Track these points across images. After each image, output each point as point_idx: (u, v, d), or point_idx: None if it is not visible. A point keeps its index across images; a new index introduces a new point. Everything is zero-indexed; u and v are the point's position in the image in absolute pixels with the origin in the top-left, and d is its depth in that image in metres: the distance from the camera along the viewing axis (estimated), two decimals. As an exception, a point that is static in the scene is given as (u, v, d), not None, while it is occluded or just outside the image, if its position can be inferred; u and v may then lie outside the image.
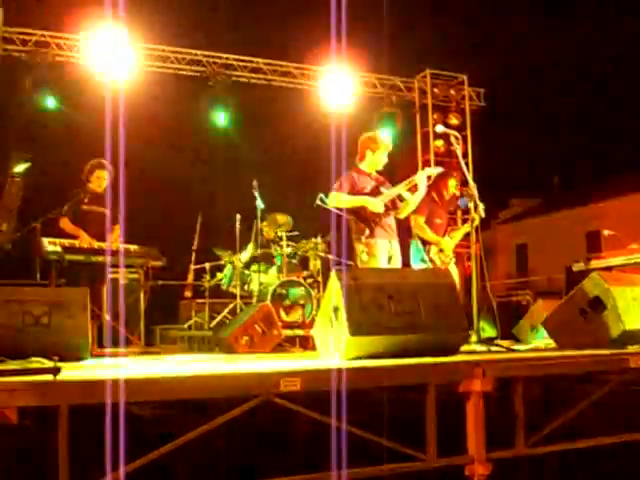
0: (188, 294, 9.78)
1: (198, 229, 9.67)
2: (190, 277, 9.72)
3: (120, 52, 10.85)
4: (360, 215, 6.35)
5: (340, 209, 6.44)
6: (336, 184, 6.47)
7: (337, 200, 6.41)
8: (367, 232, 6.29)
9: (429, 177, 6.74)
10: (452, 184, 7.49)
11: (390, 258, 6.39)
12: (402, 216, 6.67)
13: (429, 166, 11.20)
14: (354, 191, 6.42)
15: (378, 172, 6.68)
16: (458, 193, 7.51)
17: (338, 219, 8.38)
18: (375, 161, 6.60)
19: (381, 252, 6.30)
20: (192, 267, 9.69)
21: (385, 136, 6.92)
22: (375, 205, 6.31)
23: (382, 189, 6.49)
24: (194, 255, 9.72)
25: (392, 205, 6.54)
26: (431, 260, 7.22)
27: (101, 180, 7.35)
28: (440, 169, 6.80)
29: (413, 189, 6.52)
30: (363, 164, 6.64)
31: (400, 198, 6.56)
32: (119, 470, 3.12)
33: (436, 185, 7.41)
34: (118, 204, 7.62)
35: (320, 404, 3.69)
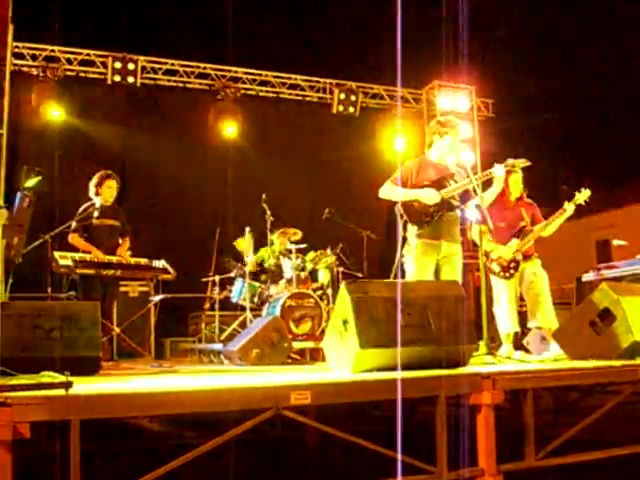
0: (207, 306, 9.70)
1: (216, 242, 9.58)
2: (209, 289, 9.65)
3: (130, 66, 10.97)
4: (412, 211, 5.70)
5: (390, 204, 5.89)
6: (392, 176, 5.80)
7: (388, 193, 5.78)
8: (417, 231, 5.67)
9: (509, 171, 6.01)
10: (515, 180, 6.71)
11: (444, 258, 5.72)
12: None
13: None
14: (410, 184, 5.73)
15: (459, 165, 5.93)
16: (523, 190, 6.78)
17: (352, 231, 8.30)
18: (444, 148, 5.90)
19: (428, 255, 5.68)
20: (211, 279, 9.57)
21: (455, 120, 6.05)
22: (429, 197, 5.64)
23: (447, 183, 5.77)
24: (213, 267, 9.62)
25: (461, 201, 5.81)
26: (489, 269, 6.51)
27: (112, 190, 7.40)
28: (525, 161, 5.89)
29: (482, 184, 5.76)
30: (431, 152, 5.97)
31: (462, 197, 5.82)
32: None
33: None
34: (126, 216, 7.67)
35: (330, 417, 3.70)
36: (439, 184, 5.76)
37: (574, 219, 6.69)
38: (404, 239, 5.80)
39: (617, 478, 4.36)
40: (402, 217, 5.78)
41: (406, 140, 12.54)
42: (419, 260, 5.68)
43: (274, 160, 11.54)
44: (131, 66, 11.03)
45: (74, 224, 7.17)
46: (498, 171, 5.80)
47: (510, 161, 5.91)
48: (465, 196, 5.87)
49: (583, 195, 6.55)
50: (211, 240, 9.56)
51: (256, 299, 8.95)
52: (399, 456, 3.67)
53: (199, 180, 11.22)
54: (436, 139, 5.95)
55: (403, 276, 5.67)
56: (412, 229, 5.72)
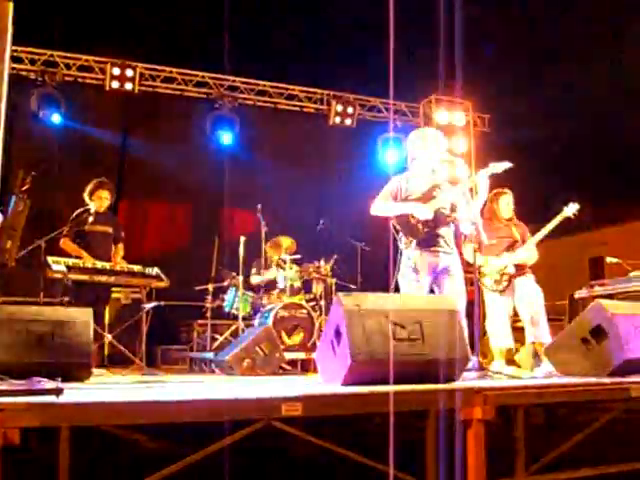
0: (209, 315, 9.62)
1: (216, 252, 9.51)
2: (208, 298, 9.56)
3: (129, 72, 10.97)
4: (407, 224, 5.71)
5: (385, 218, 5.86)
6: (381, 192, 5.83)
7: (380, 209, 5.80)
8: (414, 244, 5.64)
9: (492, 176, 5.89)
10: (506, 201, 6.88)
11: (443, 271, 5.69)
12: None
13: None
14: (400, 198, 5.78)
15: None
16: (511, 212, 6.88)
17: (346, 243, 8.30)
18: (429, 160, 5.90)
19: (426, 267, 5.62)
20: (204, 288, 9.48)
21: (436, 130, 6.19)
22: (421, 212, 5.63)
23: (435, 193, 5.81)
24: (213, 276, 9.53)
25: (451, 211, 5.83)
26: (482, 283, 6.57)
27: (103, 200, 7.42)
28: (508, 164, 5.82)
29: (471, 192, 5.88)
30: (415, 165, 5.97)
31: (454, 207, 5.87)
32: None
33: (488, 201, 6.69)
34: (121, 223, 7.69)
35: (321, 429, 3.69)
36: (428, 195, 5.78)
37: (568, 236, 6.72)
38: (400, 253, 5.79)
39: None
40: (397, 231, 5.80)
41: (402, 153, 12.52)
42: (416, 274, 5.62)
43: (270, 170, 11.53)
44: (129, 73, 11.02)
45: (66, 228, 7.18)
46: (481, 177, 5.81)
47: (492, 165, 5.87)
48: (454, 208, 5.89)
49: (571, 208, 6.61)
50: (206, 249, 9.53)
51: (249, 309, 8.94)
52: (391, 470, 3.67)
53: (195, 189, 11.20)
54: (419, 152, 5.94)
55: (399, 290, 5.66)
56: (408, 242, 5.70)
